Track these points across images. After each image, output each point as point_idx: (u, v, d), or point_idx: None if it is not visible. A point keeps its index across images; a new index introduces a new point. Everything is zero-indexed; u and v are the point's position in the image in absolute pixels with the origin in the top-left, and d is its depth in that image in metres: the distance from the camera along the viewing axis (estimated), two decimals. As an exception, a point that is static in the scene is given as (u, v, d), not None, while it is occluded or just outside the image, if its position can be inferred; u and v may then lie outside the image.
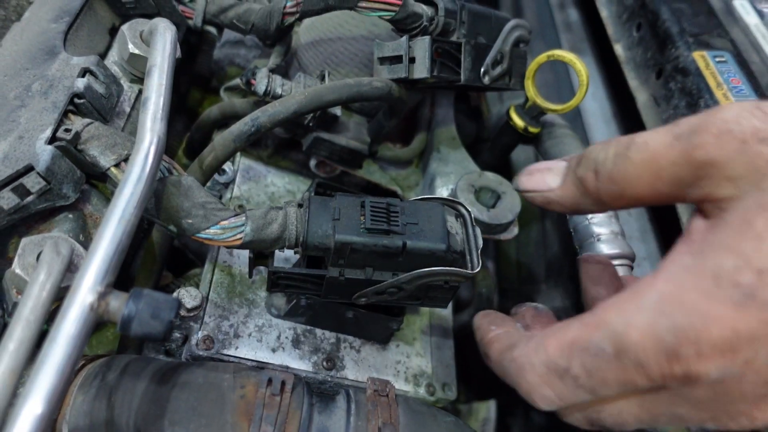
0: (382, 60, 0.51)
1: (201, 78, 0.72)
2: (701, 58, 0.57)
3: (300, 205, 0.42)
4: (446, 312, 0.59)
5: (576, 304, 0.73)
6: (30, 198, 0.38)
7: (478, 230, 0.43)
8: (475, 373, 0.75)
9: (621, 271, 0.51)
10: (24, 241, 0.36)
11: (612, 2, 0.76)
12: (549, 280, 0.83)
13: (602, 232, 0.51)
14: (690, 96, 0.56)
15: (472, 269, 0.42)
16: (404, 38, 0.49)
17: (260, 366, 0.46)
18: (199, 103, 0.72)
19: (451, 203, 0.45)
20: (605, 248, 0.51)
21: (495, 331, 0.36)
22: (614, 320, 0.27)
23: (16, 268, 0.35)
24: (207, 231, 0.39)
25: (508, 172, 0.87)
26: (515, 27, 0.56)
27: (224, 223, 0.39)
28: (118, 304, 0.31)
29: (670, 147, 0.27)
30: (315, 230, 0.40)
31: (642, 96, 0.64)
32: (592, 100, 0.89)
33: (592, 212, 0.40)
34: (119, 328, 0.31)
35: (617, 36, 0.72)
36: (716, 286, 0.25)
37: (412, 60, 0.49)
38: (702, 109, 0.54)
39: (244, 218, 0.40)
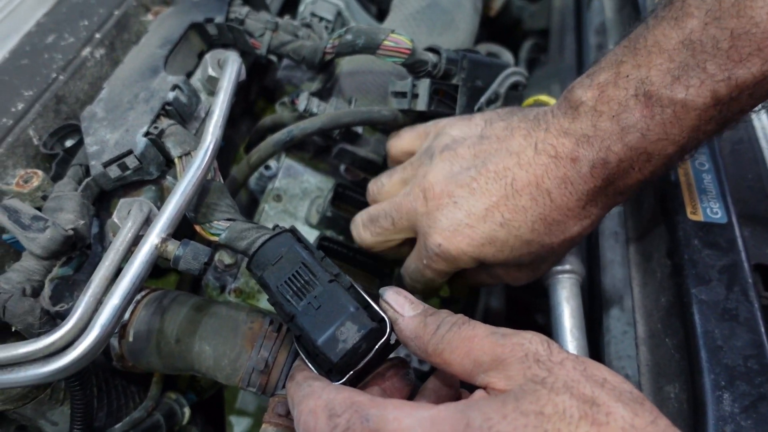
0: (394, 93, 0.65)
1: (267, 90, 0.89)
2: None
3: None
4: None
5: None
6: (128, 172, 0.56)
7: (372, 353, 0.41)
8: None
9: (570, 283, 0.61)
10: (121, 201, 0.54)
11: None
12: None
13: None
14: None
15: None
16: (409, 79, 0.63)
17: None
18: (263, 110, 0.89)
19: (373, 312, 0.43)
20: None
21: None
22: (391, 411, 0.36)
23: (114, 218, 0.53)
24: (203, 225, 0.50)
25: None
26: (511, 74, 0.68)
27: (214, 222, 0.50)
28: (173, 247, 0.47)
29: (485, 337, 0.39)
30: (257, 261, 0.47)
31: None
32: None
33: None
34: (171, 264, 0.47)
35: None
36: (463, 430, 0.34)
37: (415, 96, 0.63)
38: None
39: (226, 226, 0.50)
